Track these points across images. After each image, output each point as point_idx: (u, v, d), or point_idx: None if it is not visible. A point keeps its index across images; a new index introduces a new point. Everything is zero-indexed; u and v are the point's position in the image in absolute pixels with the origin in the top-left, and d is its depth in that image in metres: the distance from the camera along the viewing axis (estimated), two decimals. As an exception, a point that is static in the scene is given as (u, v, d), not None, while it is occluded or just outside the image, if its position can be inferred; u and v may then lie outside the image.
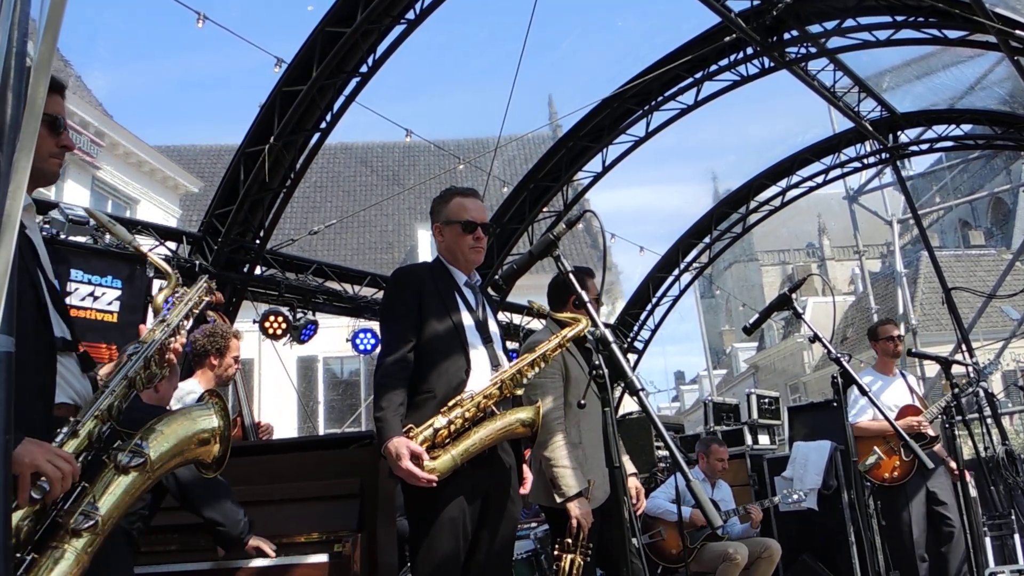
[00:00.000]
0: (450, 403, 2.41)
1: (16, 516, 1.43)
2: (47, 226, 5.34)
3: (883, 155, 9.96)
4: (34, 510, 1.47)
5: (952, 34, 6.80)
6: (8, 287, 0.99)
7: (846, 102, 8.70)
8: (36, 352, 1.57)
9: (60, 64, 14.79)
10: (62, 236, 5.43)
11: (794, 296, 2.98)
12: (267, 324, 7.46)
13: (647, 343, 11.64)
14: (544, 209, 9.33)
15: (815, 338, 3.01)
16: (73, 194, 12.14)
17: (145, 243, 6.32)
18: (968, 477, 4.57)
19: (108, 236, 6.19)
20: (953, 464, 4.55)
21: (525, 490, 2.74)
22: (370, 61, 6.48)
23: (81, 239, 5.78)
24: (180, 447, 1.71)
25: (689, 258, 11.28)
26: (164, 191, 15.51)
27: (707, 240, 11.13)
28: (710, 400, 7.79)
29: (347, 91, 6.63)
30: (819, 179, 10.49)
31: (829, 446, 5.60)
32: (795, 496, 5.21)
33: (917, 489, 4.51)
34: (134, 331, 1.92)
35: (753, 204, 10.85)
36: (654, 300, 11.44)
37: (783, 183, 10.58)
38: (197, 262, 6.74)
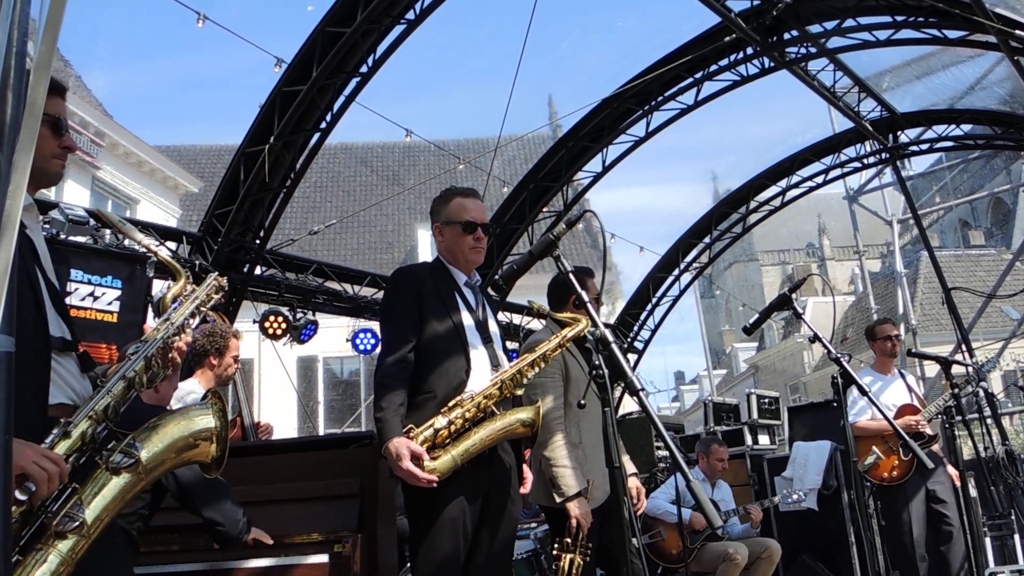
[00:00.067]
0: (450, 403, 2.41)
1: None
2: (47, 226, 5.34)
3: (883, 155, 9.96)
4: (20, 511, 1.46)
5: (952, 34, 6.80)
6: (8, 287, 0.99)
7: (846, 102, 8.70)
8: (34, 352, 1.57)
9: (60, 64, 14.80)
10: (62, 236, 5.42)
11: (794, 296, 2.98)
12: (267, 324, 7.46)
13: (647, 343, 11.64)
14: (544, 209, 9.33)
15: (815, 338, 3.01)
16: (73, 194, 12.14)
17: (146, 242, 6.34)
18: (956, 477, 4.58)
19: (108, 236, 6.19)
20: (952, 470, 4.56)
21: (525, 490, 2.74)
22: (370, 61, 6.49)
23: (81, 239, 5.77)
24: (175, 448, 1.69)
25: (689, 258, 11.28)
26: (164, 191, 15.51)
27: (707, 240, 11.13)
28: (710, 400, 7.80)
29: (347, 91, 6.63)
30: (819, 179, 10.49)
31: (829, 446, 5.60)
32: (795, 496, 5.21)
33: (917, 488, 4.51)
34: (134, 331, 1.92)
35: (753, 204, 10.85)
36: (654, 300, 11.44)
37: (783, 183, 10.58)
38: (197, 262, 6.74)
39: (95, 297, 5.68)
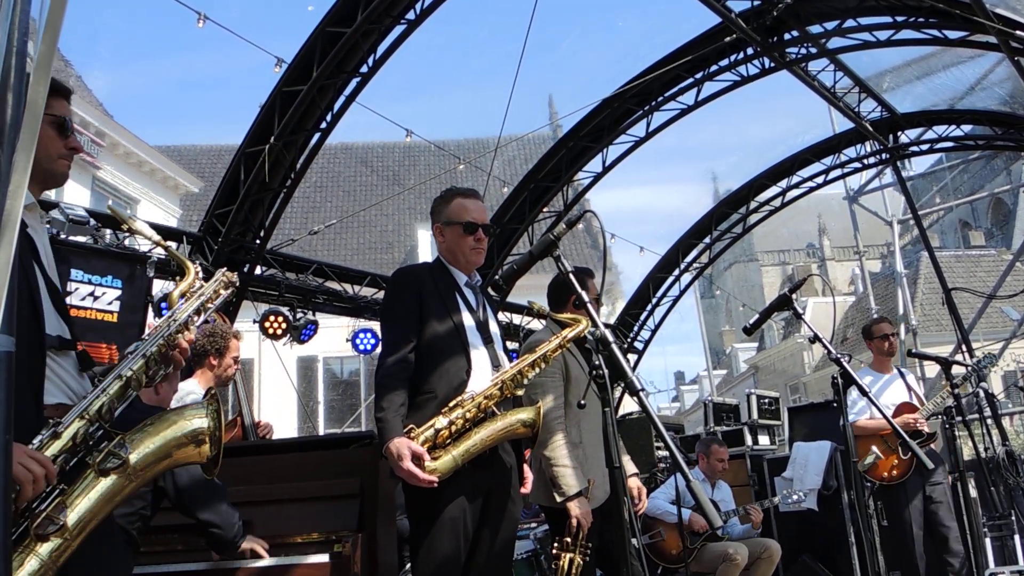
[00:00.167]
0: (451, 404, 2.41)
1: None
2: (47, 226, 5.34)
3: (883, 155, 9.96)
4: None
5: (952, 34, 6.80)
6: (8, 287, 0.99)
7: (846, 102, 8.70)
8: (29, 351, 1.56)
9: (60, 64, 14.80)
10: (62, 236, 5.43)
11: (794, 296, 2.98)
12: (267, 324, 7.46)
13: (647, 343, 11.64)
14: (544, 209, 9.33)
15: (815, 338, 3.01)
16: (73, 194, 12.14)
17: (145, 243, 6.34)
18: (948, 478, 4.59)
19: (109, 236, 6.19)
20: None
21: (526, 490, 2.74)
22: (370, 61, 6.49)
23: (81, 239, 5.78)
24: (167, 449, 1.65)
25: (689, 258, 11.28)
26: (164, 191, 15.51)
27: (707, 240, 11.13)
28: (710, 400, 7.80)
29: (347, 91, 6.63)
30: (819, 179, 10.49)
31: (829, 446, 5.60)
32: (795, 496, 5.21)
33: (917, 488, 4.52)
34: (134, 331, 1.90)
35: (753, 204, 10.85)
36: (654, 300, 11.44)
37: (783, 183, 10.58)
38: (197, 262, 6.74)
39: (95, 297, 5.68)
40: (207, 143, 22.41)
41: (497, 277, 8.45)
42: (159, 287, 6.24)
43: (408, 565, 3.35)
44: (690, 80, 8.27)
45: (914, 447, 2.84)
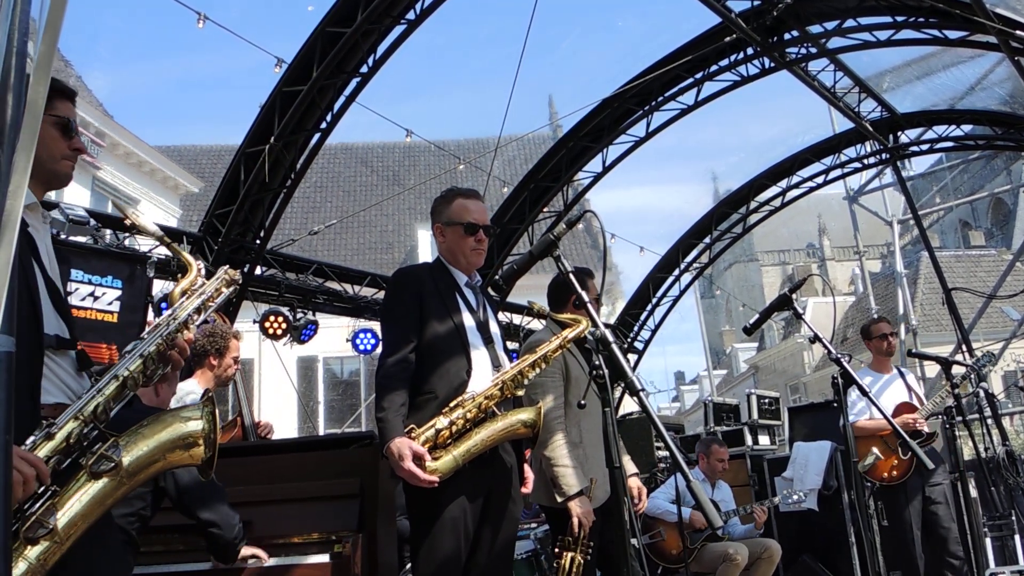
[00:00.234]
0: (451, 404, 2.41)
1: None
2: (48, 226, 5.33)
3: (883, 155, 9.96)
4: None
5: (952, 34, 6.80)
6: (8, 287, 0.99)
7: (846, 102, 8.70)
8: (27, 351, 1.55)
9: (60, 64, 14.80)
10: (62, 236, 5.43)
11: (794, 296, 2.97)
12: (267, 324, 7.46)
13: (647, 343, 11.64)
14: (544, 209, 9.33)
15: (815, 338, 3.01)
16: (73, 194, 12.13)
17: (145, 243, 6.35)
18: (948, 479, 4.59)
19: (109, 236, 6.19)
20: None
21: (527, 489, 2.74)
22: (370, 61, 6.49)
23: (81, 239, 5.78)
24: (161, 451, 1.63)
25: (689, 258, 11.28)
26: (164, 191, 15.50)
27: (707, 240, 11.12)
28: (710, 400, 7.80)
29: (347, 91, 6.63)
30: (819, 179, 10.49)
31: (829, 446, 5.60)
32: (795, 496, 5.21)
33: (917, 488, 4.51)
34: (134, 331, 1.88)
35: (753, 204, 10.85)
36: (654, 300, 11.44)
37: (783, 183, 10.58)
38: (199, 260, 6.74)
39: (95, 297, 5.68)
40: (207, 143, 22.43)
41: (497, 277, 8.45)
42: (159, 287, 6.25)
43: (408, 565, 3.35)
44: (690, 80, 8.26)
45: (914, 447, 2.84)
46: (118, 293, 5.84)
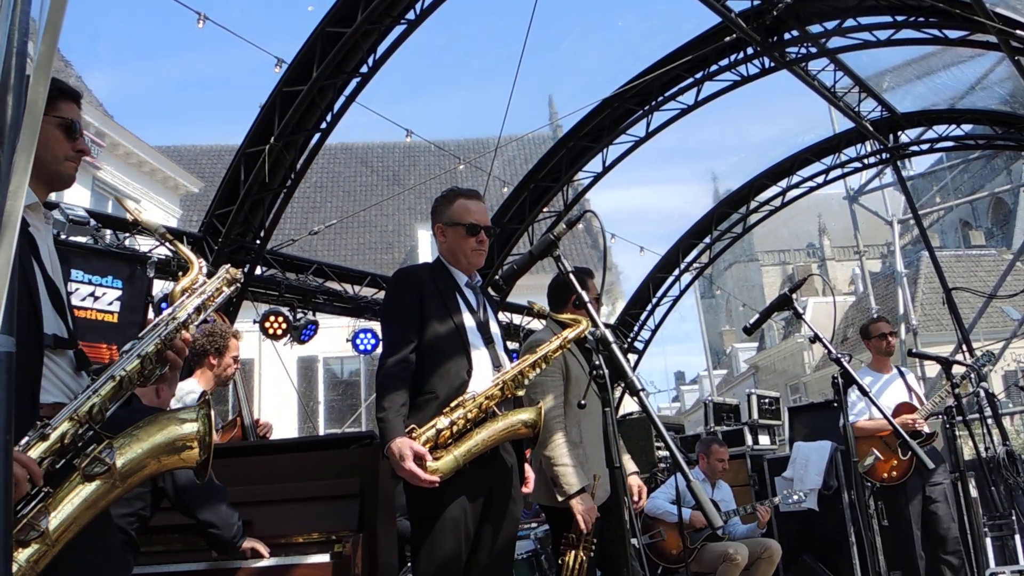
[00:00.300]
0: (452, 404, 2.41)
1: None
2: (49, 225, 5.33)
3: (883, 155, 9.95)
4: None
5: (952, 34, 6.80)
6: (8, 287, 0.99)
7: (846, 102, 8.70)
8: (26, 350, 1.55)
9: (61, 65, 14.80)
10: (62, 236, 5.43)
11: (794, 296, 2.97)
12: (267, 324, 7.47)
13: (647, 343, 11.64)
14: (544, 209, 9.33)
15: (815, 338, 3.01)
16: (73, 194, 12.12)
17: (146, 243, 6.34)
18: (949, 479, 4.59)
19: (109, 236, 6.20)
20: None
21: (528, 489, 2.74)
22: (370, 61, 6.49)
23: (81, 239, 5.78)
24: (155, 453, 1.61)
25: (689, 258, 11.28)
26: (164, 191, 15.51)
27: (707, 240, 11.12)
28: (710, 400, 7.80)
29: (347, 91, 6.63)
30: (819, 179, 10.49)
31: (829, 446, 5.60)
32: (795, 496, 5.21)
33: (917, 488, 4.51)
34: (134, 331, 1.86)
35: (753, 204, 10.85)
36: (654, 300, 11.44)
37: (783, 183, 10.57)
38: (201, 259, 6.74)
39: (96, 297, 5.69)
40: (207, 143, 22.44)
41: (497, 277, 8.45)
42: (159, 287, 6.25)
43: (408, 565, 3.35)
44: (690, 80, 8.26)
45: (914, 447, 2.84)
46: (118, 293, 5.84)
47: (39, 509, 1.47)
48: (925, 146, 9.71)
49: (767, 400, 7.40)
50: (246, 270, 7.17)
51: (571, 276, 2.15)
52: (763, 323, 3.23)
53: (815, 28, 7.21)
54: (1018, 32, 5.98)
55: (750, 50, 7.75)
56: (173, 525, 2.55)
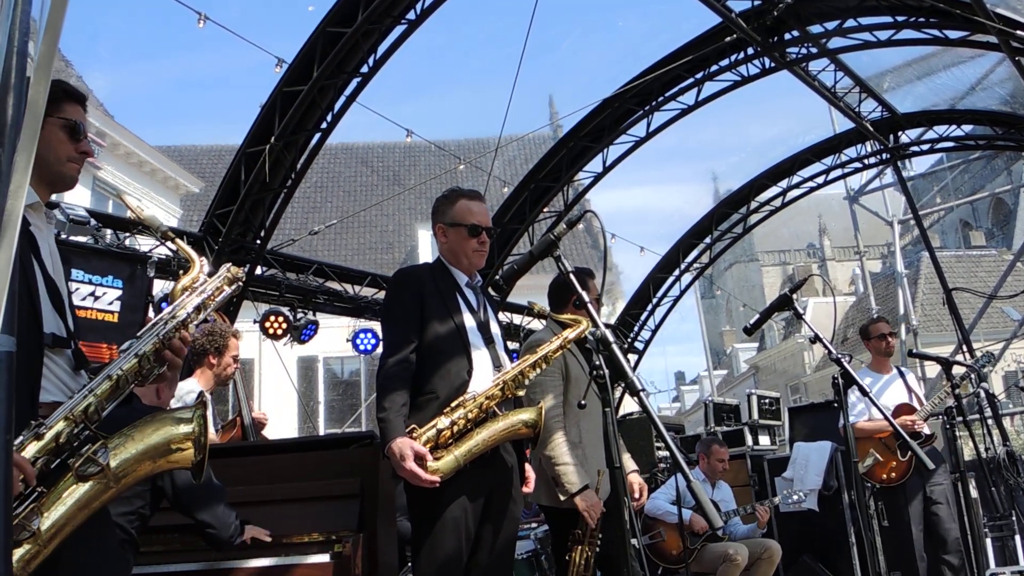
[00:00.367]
0: (453, 404, 2.41)
1: None
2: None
3: (884, 155, 9.95)
4: None
5: (953, 34, 6.80)
6: (9, 287, 0.99)
7: (847, 102, 8.70)
8: (27, 351, 1.54)
9: (61, 64, 14.81)
10: (63, 236, 5.43)
11: (795, 296, 2.97)
12: (267, 324, 7.47)
13: (647, 343, 11.64)
14: (545, 209, 9.33)
15: (816, 339, 3.01)
16: (74, 194, 12.11)
17: (146, 243, 6.35)
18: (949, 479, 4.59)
19: (109, 236, 6.20)
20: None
21: (529, 489, 2.74)
22: (371, 61, 6.49)
23: (82, 239, 5.78)
24: (149, 454, 1.60)
25: (690, 258, 11.28)
26: (165, 191, 15.51)
27: (708, 240, 11.12)
28: (710, 401, 7.79)
29: (348, 91, 6.63)
30: (820, 179, 10.49)
31: (830, 447, 5.60)
32: (795, 497, 5.21)
33: (916, 489, 4.51)
34: (135, 331, 1.84)
35: (754, 204, 10.85)
36: (655, 300, 11.44)
37: (784, 183, 10.57)
38: (203, 257, 6.74)
39: (96, 297, 5.69)
40: (207, 143, 22.45)
41: (497, 277, 8.46)
42: (160, 287, 6.25)
43: (408, 565, 3.35)
44: (690, 80, 8.26)
45: (915, 447, 2.84)
46: (119, 293, 5.84)
47: (31, 509, 1.46)
48: (925, 146, 9.71)
49: (767, 400, 7.39)
50: (246, 270, 7.17)
51: (571, 276, 2.15)
52: (763, 323, 3.22)
53: (815, 28, 7.21)
54: (1018, 32, 5.97)
55: (750, 50, 7.75)
56: (173, 525, 2.55)
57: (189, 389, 3.42)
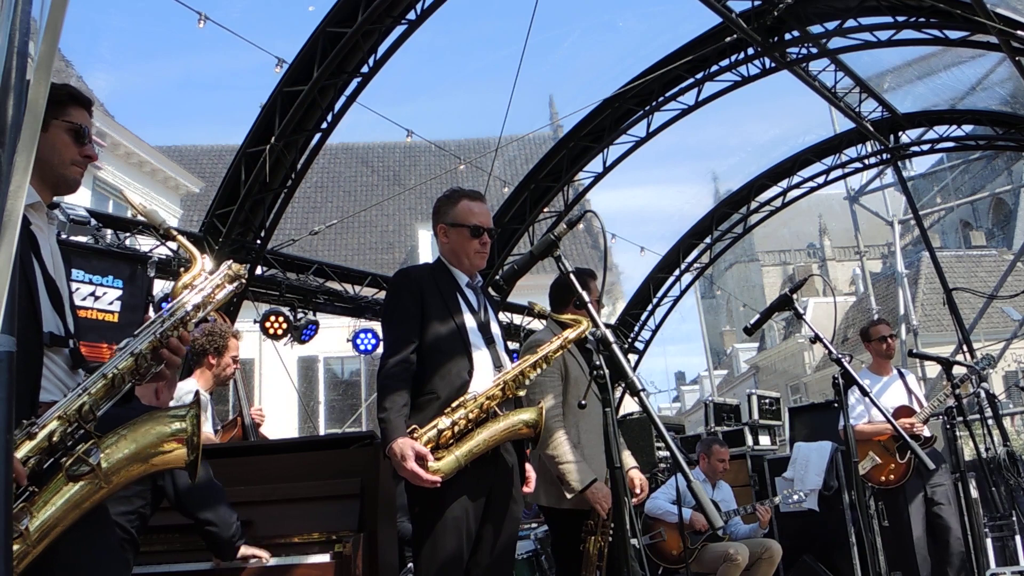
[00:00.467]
0: (453, 404, 2.41)
1: None
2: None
3: (884, 156, 9.95)
4: None
5: (953, 34, 6.80)
6: (9, 287, 0.99)
7: (847, 102, 8.70)
8: (27, 351, 1.54)
9: (61, 64, 14.81)
10: (63, 236, 5.44)
11: (795, 296, 2.97)
12: (268, 324, 7.47)
13: (648, 343, 11.64)
14: (545, 209, 9.33)
15: (816, 339, 3.01)
16: (74, 194, 12.12)
17: (146, 243, 6.35)
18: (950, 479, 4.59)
19: (110, 236, 6.20)
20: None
21: (529, 488, 2.74)
22: (371, 61, 6.49)
23: (82, 239, 5.79)
24: (142, 454, 1.59)
25: (690, 258, 11.28)
26: (165, 191, 15.52)
27: (708, 240, 11.13)
28: (711, 401, 7.79)
29: (348, 91, 6.64)
30: (820, 179, 10.49)
31: (830, 447, 5.60)
32: (796, 497, 5.21)
33: (917, 490, 4.51)
34: (134, 331, 1.84)
35: (754, 204, 10.85)
36: (655, 300, 11.44)
37: (784, 183, 10.58)
38: (205, 255, 6.75)
39: (96, 297, 5.69)
40: (208, 143, 22.48)
41: (498, 277, 8.45)
42: (160, 287, 6.25)
43: (408, 566, 3.35)
44: (691, 80, 8.26)
45: (915, 447, 2.83)
46: (119, 293, 5.85)
47: (20, 509, 1.45)
48: (926, 146, 9.71)
49: (767, 400, 7.39)
50: (247, 270, 7.18)
51: (572, 276, 2.15)
52: (764, 323, 3.22)
53: (816, 28, 7.21)
54: (1019, 32, 5.97)
55: (751, 50, 7.75)
56: (173, 525, 2.55)
57: (188, 389, 3.41)
